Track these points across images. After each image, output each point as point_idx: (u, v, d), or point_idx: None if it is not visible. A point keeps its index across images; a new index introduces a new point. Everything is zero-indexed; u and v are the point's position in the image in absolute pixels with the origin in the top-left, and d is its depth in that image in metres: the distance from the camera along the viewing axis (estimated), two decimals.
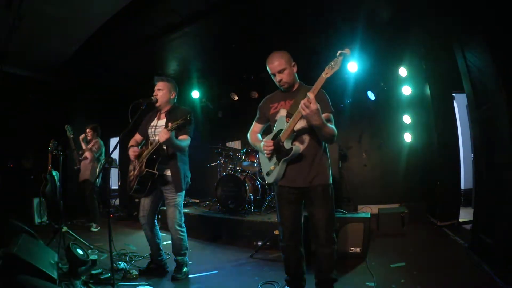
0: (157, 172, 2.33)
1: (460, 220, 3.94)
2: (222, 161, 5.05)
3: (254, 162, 4.58)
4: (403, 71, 4.55)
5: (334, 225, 1.96)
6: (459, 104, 4.68)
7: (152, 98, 2.47)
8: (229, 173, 4.62)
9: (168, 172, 2.46)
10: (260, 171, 4.77)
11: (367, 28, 4.04)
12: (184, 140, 2.41)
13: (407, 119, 4.74)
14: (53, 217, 4.73)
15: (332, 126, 1.79)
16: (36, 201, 4.72)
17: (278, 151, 1.89)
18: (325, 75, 1.64)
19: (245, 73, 5.57)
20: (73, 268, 2.53)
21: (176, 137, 2.35)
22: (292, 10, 3.76)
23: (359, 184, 5.15)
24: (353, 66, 4.59)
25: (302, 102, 1.61)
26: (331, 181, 1.96)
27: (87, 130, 4.55)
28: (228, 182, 4.23)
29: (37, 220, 4.71)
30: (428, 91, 4.28)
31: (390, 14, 3.81)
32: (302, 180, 1.90)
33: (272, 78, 2.00)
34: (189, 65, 5.46)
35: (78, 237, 3.41)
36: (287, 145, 1.84)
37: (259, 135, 2.17)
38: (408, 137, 4.76)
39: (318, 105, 1.61)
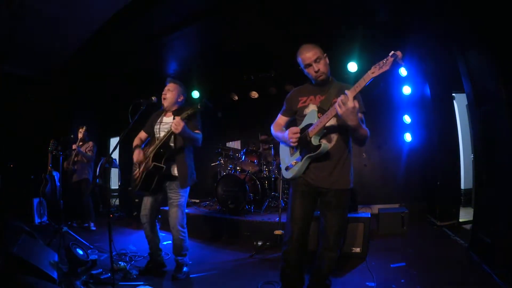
0: (165, 166, 2.34)
1: (460, 220, 3.94)
2: (222, 161, 5.06)
3: (254, 162, 4.59)
4: (403, 71, 4.56)
5: (345, 232, 1.91)
6: (459, 104, 4.68)
7: (152, 98, 2.48)
8: (229, 173, 4.62)
9: (175, 169, 2.47)
10: (260, 171, 4.78)
11: (367, 28, 4.04)
12: (196, 133, 2.42)
13: (407, 119, 4.74)
14: (53, 217, 4.74)
15: (365, 127, 1.71)
16: (36, 201, 4.72)
17: (304, 146, 1.79)
18: (371, 73, 1.53)
19: (245, 73, 5.57)
20: (73, 268, 2.53)
21: None
22: (291, 10, 3.76)
23: (359, 184, 5.15)
24: (353, 66, 4.59)
25: (339, 99, 1.51)
26: (351, 185, 1.87)
27: (80, 129, 4.58)
28: (228, 182, 4.23)
29: (37, 220, 4.71)
30: (428, 91, 4.28)
31: (390, 14, 3.81)
32: (323, 180, 1.80)
33: (305, 71, 1.86)
34: (189, 65, 5.46)
35: (78, 237, 3.41)
36: (315, 141, 1.73)
37: (283, 128, 2.03)
38: (408, 137, 4.76)
39: (357, 104, 1.50)
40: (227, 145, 6.00)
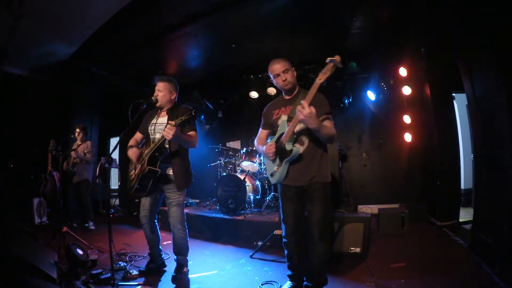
0: (160, 170, 2.32)
1: (460, 220, 3.94)
2: (222, 161, 5.05)
3: (254, 162, 4.59)
4: (403, 71, 4.56)
5: (330, 224, 2.03)
6: (459, 104, 4.68)
7: (152, 98, 2.46)
8: (229, 173, 4.62)
9: (170, 171, 2.45)
10: (260, 171, 4.78)
11: (367, 28, 4.04)
12: (193, 136, 2.40)
13: (407, 119, 4.74)
14: (53, 217, 4.74)
15: (329, 126, 1.90)
16: (36, 201, 4.72)
17: (281, 153, 2.01)
18: (318, 80, 1.77)
19: (245, 73, 5.57)
20: (73, 268, 2.53)
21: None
22: (291, 11, 3.76)
23: (359, 184, 5.16)
24: (353, 66, 4.60)
25: (297, 107, 1.72)
26: (329, 179, 2.06)
27: (77, 129, 4.57)
28: (228, 182, 4.23)
29: (37, 220, 4.71)
30: (428, 91, 4.28)
31: (390, 14, 3.81)
32: (303, 179, 2.01)
33: (274, 82, 2.10)
34: (189, 65, 5.46)
35: (78, 237, 3.42)
36: (288, 146, 1.97)
37: (267, 142, 2.23)
38: (408, 137, 4.76)
39: (313, 109, 1.70)
40: (227, 145, 5.99)
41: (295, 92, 2.12)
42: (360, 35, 4.22)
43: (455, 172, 4.17)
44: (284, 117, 2.06)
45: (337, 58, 1.71)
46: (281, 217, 2.17)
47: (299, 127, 1.95)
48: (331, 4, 3.58)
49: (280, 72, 2.03)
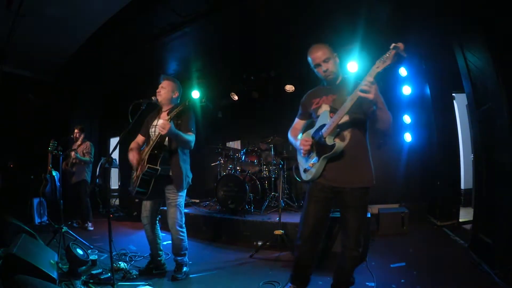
0: (159, 168, 2.31)
1: (460, 220, 3.94)
2: (222, 161, 5.05)
3: (254, 162, 4.58)
4: (403, 71, 4.56)
5: (364, 229, 1.92)
6: (459, 104, 4.68)
7: (152, 98, 2.47)
8: (229, 173, 4.62)
9: (170, 171, 2.45)
10: (260, 171, 4.78)
11: (367, 27, 4.04)
12: (188, 135, 2.40)
13: (407, 119, 4.74)
14: (53, 217, 4.74)
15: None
16: (36, 201, 4.72)
17: (319, 147, 1.81)
18: (376, 68, 1.56)
19: (245, 73, 5.57)
20: (73, 268, 2.53)
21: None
22: (290, 11, 3.76)
23: None
24: (353, 65, 4.59)
25: (362, 86, 1.55)
26: (372, 183, 1.87)
27: (75, 130, 4.57)
28: (228, 182, 4.23)
29: (37, 220, 4.71)
30: (428, 91, 4.28)
31: (390, 14, 3.81)
32: (341, 179, 1.81)
33: (315, 71, 1.90)
34: (189, 65, 5.46)
35: (78, 237, 3.42)
36: (329, 141, 1.75)
37: (300, 134, 2.05)
38: (408, 137, 4.76)
39: (376, 86, 1.55)
40: (227, 145, 5.99)
41: (339, 81, 1.92)
42: (360, 35, 4.22)
43: (455, 172, 4.17)
44: (325, 107, 1.85)
45: (400, 45, 1.50)
46: (302, 217, 1.93)
47: (345, 119, 1.74)
48: (331, 3, 3.59)
49: (321, 61, 1.82)
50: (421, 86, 4.55)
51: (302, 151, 1.88)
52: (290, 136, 2.10)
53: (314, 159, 1.85)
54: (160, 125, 2.14)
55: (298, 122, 2.12)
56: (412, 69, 4.51)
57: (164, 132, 2.14)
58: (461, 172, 4.50)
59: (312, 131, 1.90)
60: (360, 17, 3.82)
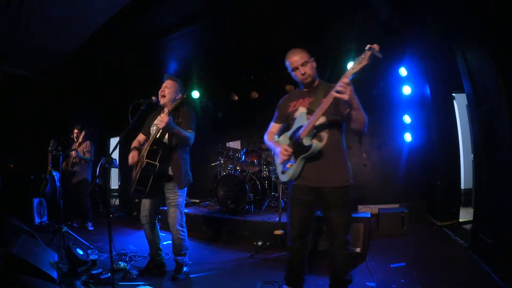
0: (158, 164, 2.30)
1: (460, 220, 3.94)
2: (222, 161, 5.05)
3: (254, 162, 4.58)
4: (403, 71, 4.56)
5: (350, 227, 1.93)
6: (459, 104, 4.68)
7: (152, 98, 2.47)
8: (229, 173, 4.62)
9: (170, 171, 2.46)
10: (260, 171, 4.78)
11: (367, 27, 4.04)
12: (187, 132, 2.40)
13: (407, 119, 4.74)
14: (53, 217, 4.74)
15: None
16: (36, 201, 4.72)
17: (296, 148, 1.84)
18: (352, 69, 1.58)
19: (245, 73, 5.57)
20: (73, 268, 2.53)
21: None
22: (290, 11, 3.76)
23: (359, 184, 5.15)
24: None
25: (338, 86, 1.57)
26: (350, 181, 1.89)
27: (75, 130, 4.58)
28: (228, 182, 4.23)
29: (37, 220, 4.71)
30: (428, 91, 4.28)
31: (390, 14, 3.81)
32: (319, 180, 1.84)
33: (293, 74, 1.95)
34: (189, 65, 5.46)
35: (78, 237, 3.42)
36: (306, 141, 1.79)
37: (276, 136, 2.10)
38: (408, 137, 4.76)
39: (351, 87, 1.59)
40: (227, 145, 6.00)
41: (316, 84, 1.97)
42: (360, 35, 4.22)
43: (455, 172, 4.17)
44: (302, 109, 1.89)
45: (375, 46, 1.53)
46: (288, 219, 1.98)
47: (321, 120, 1.78)
48: (331, 3, 3.58)
49: (298, 65, 1.87)
50: (421, 86, 4.56)
51: (281, 159, 1.89)
52: (266, 140, 2.13)
53: (291, 160, 1.88)
54: (159, 118, 2.17)
55: (274, 126, 2.14)
56: (412, 69, 4.52)
57: (162, 125, 2.15)
58: (461, 172, 4.50)
59: (289, 133, 1.94)
60: (359, 18, 3.83)
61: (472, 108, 3.03)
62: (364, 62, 1.56)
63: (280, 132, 2.10)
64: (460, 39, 2.97)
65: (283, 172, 1.95)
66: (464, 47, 2.90)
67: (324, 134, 1.86)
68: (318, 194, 1.87)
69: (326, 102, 1.68)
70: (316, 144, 1.77)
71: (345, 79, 1.57)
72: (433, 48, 4.12)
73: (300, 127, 1.83)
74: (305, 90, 1.99)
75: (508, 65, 2.26)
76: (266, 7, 3.70)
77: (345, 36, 4.30)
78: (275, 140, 2.05)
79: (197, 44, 4.70)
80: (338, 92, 1.58)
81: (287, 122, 2.07)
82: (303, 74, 1.89)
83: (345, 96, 1.57)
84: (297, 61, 1.88)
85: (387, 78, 4.84)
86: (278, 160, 1.97)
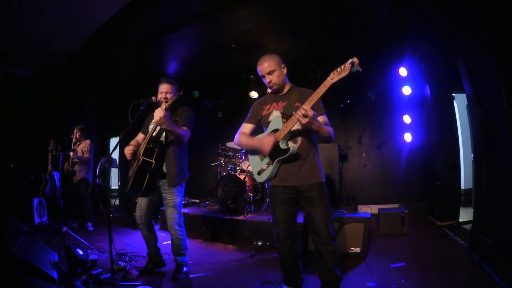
0: (154, 162, 2.31)
1: (460, 220, 3.94)
2: (222, 161, 5.06)
3: None
4: (403, 71, 4.56)
5: (333, 221, 1.97)
6: (459, 104, 4.68)
7: (152, 98, 2.47)
8: (229, 173, 4.62)
9: (165, 167, 2.45)
10: None
11: (367, 28, 4.04)
12: (182, 129, 2.40)
13: (407, 119, 4.74)
14: (53, 217, 4.74)
15: (328, 126, 1.88)
16: (36, 201, 4.73)
17: (272, 150, 1.90)
18: (331, 80, 1.66)
19: (245, 73, 5.57)
20: (73, 268, 2.53)
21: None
22: (290, 11, 3.76)
23: (359, 184, 5.16)
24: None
25: (299, 112, 1.66)
26: (324, 179, 1.98)
27: (75, 130, 4.58)
28: (228, 182, 4.23)
29: (37, 220, 4.71)
30: (428, 91, 4.28)
31: (390, 14, 3.81)
32: (295, 179, 1.92)
33: (262, 80, 2.03)
34: (189, 65, 5.46)
35: (78, 237, 3.42)
36: (282, 145, 1.88)
37: (250, 136, 2.15)
38: (408, 137, 4.76)
39: (314, 112, 1.68)
40: (227, 145, 6.00)
41: (287, 89, 2.04)
42: (360, 35, 4.22)
43: (455, 172, 4.16)
44: (276, 113, 1.98)
45: (355, 59, 1.60)
46: (272, 220, 2.05)
47: (296, 126, 1.87)
48: (331, 3, 3.58)
49: (265, 73, 1.96)
50: (421, 86, 4.56)
51: (264, 153, 1.93)
52: (238, 141, 2.14)
53: (267, 161, 1.96)
54: (155, 112, 2.18)
55: (245, 126, 2.17)
56: (412, 69, 4.52)
57: (157, 118, 2.16)
58: (461, 172, 4.49)
59: (263, 135, 2.01)
60: (360, 18, 3.82)
61: (472, 108, 3.02)
62: (343, 74, 1.62)
63: (253, 134, 2.17)
64: (460, 39, 2.97)
65: (259, 173, 2.02)
66: (464, 47, 2.90)
67: (298, 137, 1.95)
68: (297, 192, 1.95)
69: (291, 121, 1.82)
70: (293, 148, 1.86)
71: (305, 106, 1.67)
72: (433, 48, 4.12)
73: (276, 130, 1.92)
74: (278, 94, 2.06)
75: (508, 65, 2.26)
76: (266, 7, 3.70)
77: (345, 36, 4.30)
78: (249, 139, 2.08)
79: (197, 44, 4.70)
80: (300, 115, 1.68)
81: (259, 124, 2.15)
82: (268, 82, 1.98)
83: (303, 121, 1.67)
84: (264, 69, 1.96)
85: (387, 78, 4.85)
86: (254, 157, 2.05)
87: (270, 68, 1.95)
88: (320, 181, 1.94)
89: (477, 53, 2.69)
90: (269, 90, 2.16)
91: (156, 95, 2.50)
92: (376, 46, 4.46)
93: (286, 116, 1.90)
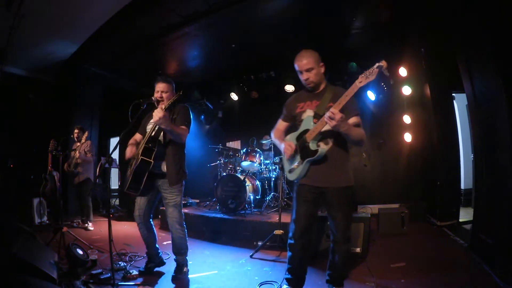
0: (153, 161, 2.31)
1: (460, 220, 3.94)
2: (222, 161, 5.06)
3: (254, 162, 4.59)
4: (403, 71, 4.56)
5: (351, 224, 2.02)
6: (459, 104, 4.68)
7: (152, 98, 2.47)
8: (229, 173, 4.62)
9: (164, 167, 2.45)
10: (260, 171, 4.78)
11: (367, 27, 4.04)
12: (180, 128, 2.40)
13: (407, 119, 4.74)
14: (53, 217, 4.73)
15: (359, 129, 1.87)
16: (36, 201, 4.72)
17: (303, 150, 1.94)
18: (359, 83, 1.68)
19: (245, 73, 5.57)
20: (73, 268, 2.53)
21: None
22: (290, 11, 3.76)
23: (359, 184, 5.15)
24: (353, 66, 4.60)
25: (327, 115, 1.67)
26: (352, 182, 1.98)
27: (75, 130, 4.59)
28: (228, 182, 4.23)
29: (37, 220, 4.70)
30: (428, 91, 4.28)
31: (390, 14, 3.81)
32: (324, 180, 1.93)
33: (299, 76, 2.00)
34: (189, 65, 5.46)
35: (78, 237, 3.41)
36: (312, 146, 1.89)
37: (283, 134, 2.16)
38: (408, 137, 4.76)
39: (342, 114, 1.67)
40: (227, 145, 6.00)
41: (322, 87, 2.02)
42: (360, 35, 4.22)
43: (455, 172, 4.17)
44: (309, 112, 1.95)
45: (383, 63, 1.62)
46: (293, 216, 2.03)
47: (327, 127, 1.83)
48: (331, 3, 3.58)
49: (303, 69, 1.92)
50: (421, 86, 4.55)
51: (286, 155, 1.99)
52: (273, 137, 2.19)
53: (298, 161, 1.97)
54: (154, 112, 2.17)
55: (281, 123, 2.19)
56: (412, 69, 4.52)
57: (156, 119, 2.15)
58: (461, 172, 4.50)
59: (295, 134, 2.01)
60: (362, 18, 3.82)
61: (472, 108, 3.02)
62: (371, 78, 1.65)
63: (288, 131, 2.15)
64: (460, 39, 2.97)
65: (290, 171, 2.03)
66: (464, 47, 2.90)
67: (330, 139, 1.93)
68: (322, 193, 1.95)
69: (321, 123, 1.82)
70: (322, 150, 1.86)
71: (333, 109, 1.67)
72: (433, 48, 4.12)
73: (307, 130, 1.92)
74: (312, 92, 2.03)
75: (508, 65, 2.26)
76: (266, 7, 3.70)
77: (345, 36, 4.30)
78: (282, 138, 2.11)
79: (197, 44, 4.70)
80: (328, 118, 1.68)
81: (294, 121, 2.12)
82: (306, 80, 1.96)
83: (331, 124, 1.68)
84: (303, 66, 1.92)
85: (387, 78, 4.84)
86: (285, 157, 2.04)
87: (308, 66, 1.91)
88: (347, 185, 1.94)
89: (477, 53, 2.69)
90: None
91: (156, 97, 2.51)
92: (376, 45, 4.46)
93: (317, 116, 1.89)
